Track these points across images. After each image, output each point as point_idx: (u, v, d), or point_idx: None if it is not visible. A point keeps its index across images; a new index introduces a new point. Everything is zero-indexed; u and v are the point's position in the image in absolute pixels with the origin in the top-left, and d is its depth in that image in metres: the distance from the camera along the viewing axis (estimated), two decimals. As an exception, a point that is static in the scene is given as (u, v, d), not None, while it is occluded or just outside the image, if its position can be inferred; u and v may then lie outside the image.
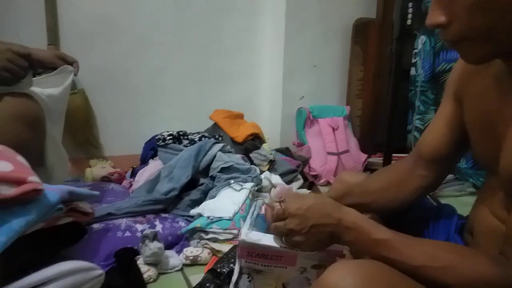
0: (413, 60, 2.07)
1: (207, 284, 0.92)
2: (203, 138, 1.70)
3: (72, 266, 0.62)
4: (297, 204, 0.66)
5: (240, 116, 2.05)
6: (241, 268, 0.86)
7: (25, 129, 1.00)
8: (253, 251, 0.81)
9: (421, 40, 1.99)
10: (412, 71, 2.09)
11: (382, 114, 2.15)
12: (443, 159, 0.76)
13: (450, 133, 0.74)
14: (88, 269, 0.65)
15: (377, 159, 2.19)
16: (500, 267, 0.50)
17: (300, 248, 0.69)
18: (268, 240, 0.75)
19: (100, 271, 0.67)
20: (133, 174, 1.68)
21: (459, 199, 1.83)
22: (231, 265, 1.04)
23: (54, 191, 0.81)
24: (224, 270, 1.04)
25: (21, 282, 0.61)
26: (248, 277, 0.87)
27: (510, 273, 0.50)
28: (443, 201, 0.94)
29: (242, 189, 1.39)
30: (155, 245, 1.12)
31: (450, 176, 1.96)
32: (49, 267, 0.61)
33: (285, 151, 2.06)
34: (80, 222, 0.99)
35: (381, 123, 2.13)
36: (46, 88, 1.22)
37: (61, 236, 0.90)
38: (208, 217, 1.26)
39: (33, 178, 0.77)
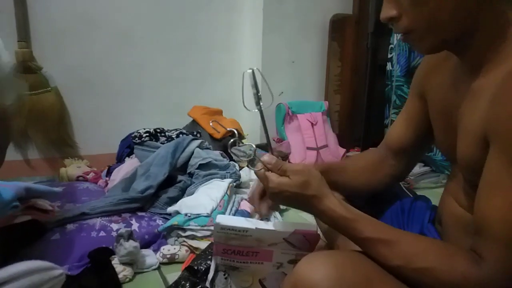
0: (389, 55, 2.10)
1: (183, 282, 0.91)
2: (180, 135, 1.68)
3: (28, 266, 0.59)
4: (300, 166, 0.63)
5: (219, 113, 2.04)
6: (217, 266, 0.86)
7: None
8: (228, 248, 0.80)
9: (397, 35, 2.01)
10: (388, 66, 2.11)
11: (359, 109, 2.17)
12: (408, 150, 0.80)
13: (414, 127, 0.78)
14: (46, 268, 0.62)
15: (355, 153, 2.22)
16: (476, 267, 0.51)
17: (275, 201, 0.69)
18: (242, 222, 0.74)
19: (60, 271, 0.64)
20: (109, 173, 1.64)
21: (435, 191, 1.87)
22: (209, 262, 1.03)
23: (8, 188, 0.77)
24: (201, 267, 1.03)
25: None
26: (224, 274, 0.86)
27: (485, 273, 0.50)
28: (419, 193, 0.96)
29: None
30: (130, 244, 1.10)
31: (426, 168, 2.00)
32: (4, 268, 0.58)
33: (265, 147, 2.06)
34: (40, 220, 0.95)
35: (359, 117, 2.16)
36: None
37: (19, 235, 0.86)
38: (186, 214, 1.25)
39: None
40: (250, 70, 0.66)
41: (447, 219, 0.71)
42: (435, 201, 0.88)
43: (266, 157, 0.65)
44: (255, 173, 0.66)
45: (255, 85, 0.66)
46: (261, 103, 0.67)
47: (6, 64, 1.01)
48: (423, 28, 0.56)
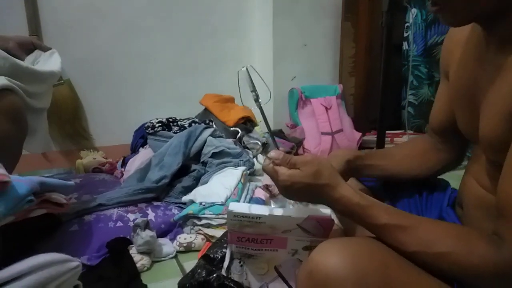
0: (405, 34, 2.02)
1: (199, 270, 0.91)
2: (193, 124, 1.67)
3: (45, 259, 0.60)
4: (310, 157, 0.62)
5: (230, 100, 2.02)
6: (232, 253, 0.86)
7: (4, 122, 0.97)
8: (242, 236, 0.80)
9: (413, 13, 1.94)
10: (405, 45, 2.04)
11: (375, 91, 2.11)
12: (452, 132, 0.76)
13: (450, 109, 0.74)
14: (63, 261, 0.63)
15: (372, 137, 2.17)
16: (496, 250, 0.49)
17: (286, 195, 0.66)
18: (255, 209, 0.74)
19: (76, 263, 0.65)
20: (124, 164, 1.66)
21: (455, 173, 1.80)
22: (224, 250, 1.02)
23: (23, 183, 0.78)
24: (217, 255, 1.02)
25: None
26: (239, 262, 0.86)
27: (505, 255, 0.48)
28: (440, 176, 0.93)
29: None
30: (147, 234, 1.11)
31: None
32: (21, 261, 0.59)
33: (278, 133, 2.04)
34: (55, 213, 0.96)
35: (375, 100, 2.10)
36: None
37: (35, 228, 0.88)
38: (200, 203, 1.25)
39: (0, 170, 0.75)
40: (244, 68, 0.64)
41: (468, 202, 0.69)
42: (455, 184, 0.85)
43: (273, 153, 0.63)
44: (263, 168, 0.65)
45: (251, 83, 0.65)
46: (259, 100, 0.66)
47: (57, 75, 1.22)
48: (461, 0, 0.52)
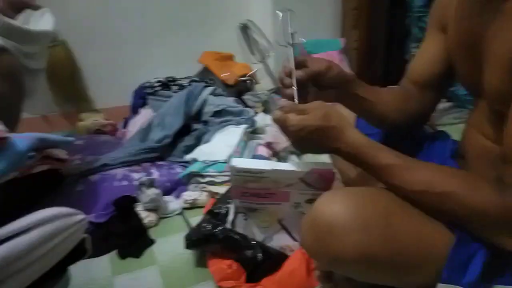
0: (410, -17, 1.93)
1: (205, 224, 0.93)
2: (192, 83, 1.65)
3: (51, 212, 0.61)
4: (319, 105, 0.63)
5: (230, 58, 1.97)
6: (236, 208, 0.88)
7: (1, 82, 0.95)
8: (246, 190, 0.81)
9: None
10: (409, -5, 1.96)
11: (379, 44, 2.05)
12: (434, 85, 0.76)
13: (439, 62, 0.73)
14: (69, 214, 0.64)
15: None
16: (500, 193, 0.49)
17: (294, 144, 0.66)
18: (258, 164, 0.75)
19: (82, 216, 0.67)
20: (126, 125, 1.65)
21: (458, 126, 1.81)
22: (228, 205, 1.05)
23: (23, 139, 0.80)
24: (222, 210, 1.05)
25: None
26: (243, 216, 0.88)
27: (508, 199, 0.49)
28: (442, 129, 0.93)
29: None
30: (152, 191, 1.13)
31: (449, 104, 1.92)
32: (28, 215, 0.61)
33: (278, 92, 2.01)
34: (57, 168, 0.98)
35: (379, 54, 2.05)
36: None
37: (39, 184, 0.89)
38: (204, 162, 1.26)
39: None
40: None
41: (472, 152, 0.69)
42: (458, 136, 0.84)
43: (283, 102, 0.65)
44: (273, 119, 0.65)
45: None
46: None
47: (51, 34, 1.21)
48: None
